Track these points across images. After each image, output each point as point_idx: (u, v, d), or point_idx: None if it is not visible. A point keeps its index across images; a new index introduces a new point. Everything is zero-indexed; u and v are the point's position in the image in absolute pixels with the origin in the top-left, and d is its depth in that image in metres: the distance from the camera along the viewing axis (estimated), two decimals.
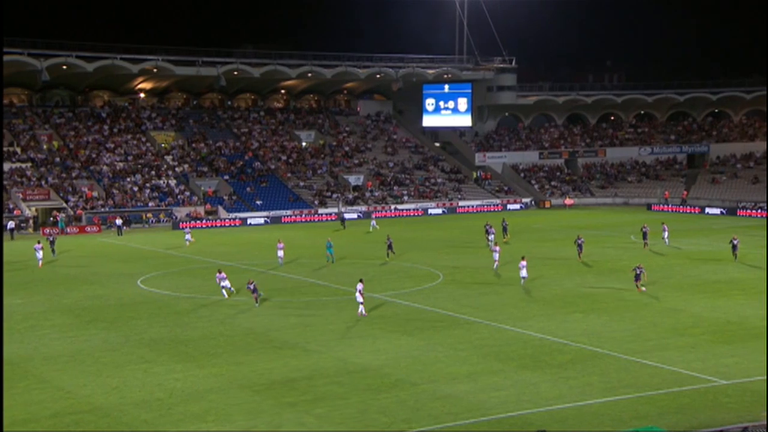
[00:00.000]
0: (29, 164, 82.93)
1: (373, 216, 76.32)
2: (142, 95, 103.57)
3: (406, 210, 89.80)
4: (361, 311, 35.45)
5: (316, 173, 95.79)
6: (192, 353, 29.82)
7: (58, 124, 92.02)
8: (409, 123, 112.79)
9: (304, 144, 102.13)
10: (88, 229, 74.51)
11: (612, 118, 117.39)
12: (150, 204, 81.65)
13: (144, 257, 56.66)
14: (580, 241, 51.31)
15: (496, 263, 47.07)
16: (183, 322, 35.27)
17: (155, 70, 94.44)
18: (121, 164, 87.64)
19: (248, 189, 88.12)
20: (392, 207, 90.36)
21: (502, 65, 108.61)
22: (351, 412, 23.15)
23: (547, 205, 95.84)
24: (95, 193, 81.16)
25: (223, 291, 40.11)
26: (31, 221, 74.87)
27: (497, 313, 36.15)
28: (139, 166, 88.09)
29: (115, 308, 38.35)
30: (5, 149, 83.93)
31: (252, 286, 38.02)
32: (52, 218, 75.67)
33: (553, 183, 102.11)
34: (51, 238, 58.88)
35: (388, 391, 25.01)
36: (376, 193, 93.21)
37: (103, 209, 78.80)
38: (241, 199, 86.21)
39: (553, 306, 37.56)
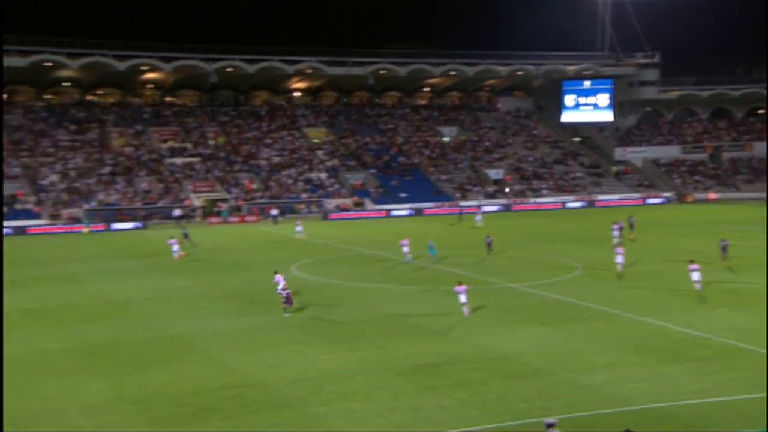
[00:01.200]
0: (198, 159, 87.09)
1: (479, 211, 74.63)
2: (297, 94, 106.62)
3: (545, 203, 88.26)
4: (465, 312, 33.09)
5: (458, 167, 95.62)
6: (340, 336, 30.45)
7: (223, 122, 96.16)
8: (548, 118, 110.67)
9: (446, 139, 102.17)
10: (248, 218, 77.53)
11: (760, 111, 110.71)
12: (303, 195, 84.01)
13: (297, 245, 58.35)
14: (724, 244, 45.81)
15: (620, 265, 42.36)
16: (333, 307, 36.05)
17: (309, 71, 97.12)
18: (277, 158, 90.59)
19: (393, 182, 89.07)
20: (531, 200, 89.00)
21: (644, 60, 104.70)
22: (490, 398, 23.01)
23: (690, 199, 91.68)
24: (254, 185, 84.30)
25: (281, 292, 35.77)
26: (199, 211, 78.66)
27: (636, 305, 34.92)
28: (294, 160, 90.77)
29: (271, 293, 39.51)
30: (178, 145, 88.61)
31: (285, 293, 34.52)
32: (216, 208, 79.21)
33: (695, 177, 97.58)
34: (184, 231, 59.11)
35: (527, 379, 24.69)
36: (516, 187, 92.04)
37: (261, 200, 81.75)
38: (386, 192, 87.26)
39: (694, 300, 35.89)
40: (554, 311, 34.38)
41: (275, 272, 37.33)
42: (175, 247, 51.12)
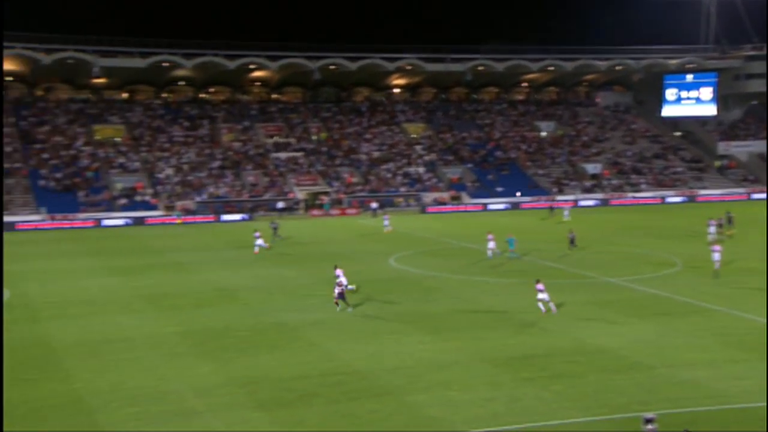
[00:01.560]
0: (301, 153, 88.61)
1: (566, 207, 72.46)
2: (396, 90, 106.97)
3: (644, 198, 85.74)
4: (552, 309, 31.91)
5: (555, 162, 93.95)
6: (438, 327, 30.45)
7: (325, 118, 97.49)
8: (648, 113, 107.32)
9: (543, 134, 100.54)
10: (348, 211, 78.40)
11: None
12: (401, 189, 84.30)
13: (395, 238, 58.62)
14: None
15: (717, 263, 39.74)
16: (429, 298, 36.09)
17: (409, 68, 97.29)
18: (377, 153, 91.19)
19: (490, 176, 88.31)
20: (629, 195, 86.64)
21: (752, 52, 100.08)
22: (588, 391, 22.57)
23: None
24: (355, 179, 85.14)
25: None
26: (301, 203, 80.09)
27: (738, 302, 33.53)
28: (393, 154, 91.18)
29: (370, 283, 39.96)
30: (283, 140, 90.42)
31: (339, 289, 33.49)
32: (318, 201, 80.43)
33: None
34: (274, 225, 58.19)
35: (625, 373, 24.09)
36: (614, 182, 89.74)
37: (361, 193, 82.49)
38: (483, 186, 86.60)
39: None
40: (652, 306, 33.41)
41: (335, 267, 36.52)
42: (259, 241, 50.56)
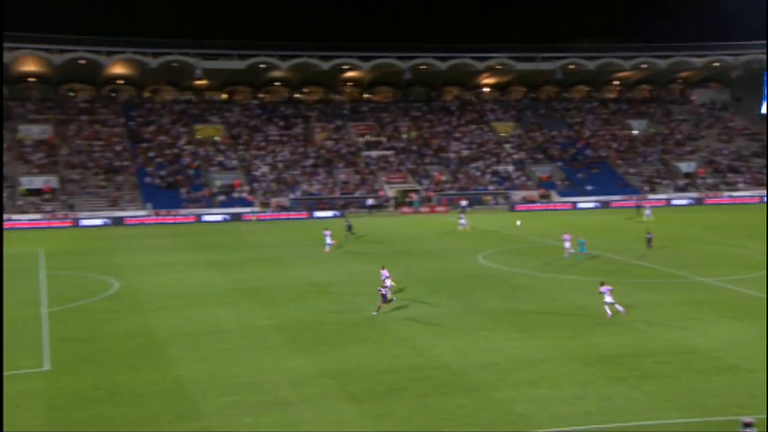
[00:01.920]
0: (391, 152, 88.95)
1: (647, 206, 69.86)
2: (486, 89, 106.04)
3: (741, 197, 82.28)
4: (620, 310, 30.59)
5: (647, 160, 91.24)
6: (526, 324, 30.01)
7: (415, 117, 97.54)
8: (746, 110, 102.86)
9: (635, 132, 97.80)
10: (437, 209, 78.23)
11: None
12: (490, 187, 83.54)
13: (484, 235, 58.14)
14: None
15: None
16: (518, 295, 35.62)
17: (499, 67, 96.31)
18: (466, 152, 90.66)
19: (579, 175, 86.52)
20: (725, 194, 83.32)
21: None
22: (681, 392, 21.80)
23: None
24: (444, 177, 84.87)
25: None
26: (391, 201, 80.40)
27: None
28: (482, 153, 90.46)
29: (458, 280, 39.77)
30: (374, 139, 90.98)
31: (384, 291, 32.24)
32: (408, 199, 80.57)
33: None
34: (348, 223, 57.52)
35: (720, 375, 23.15)
36: (709, 180, 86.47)
37: (450, 191, 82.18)
38: (572, 184, 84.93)
39: None
40: (750, 307, 32.00)
41: (383, 267, 35.40)
42: (329, 240, 50.14)
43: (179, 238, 58.75)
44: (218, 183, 79.30)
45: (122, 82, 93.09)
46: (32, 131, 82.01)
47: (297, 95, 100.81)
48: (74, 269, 44.04)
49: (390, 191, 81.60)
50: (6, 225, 66.34)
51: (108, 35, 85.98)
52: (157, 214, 71.82)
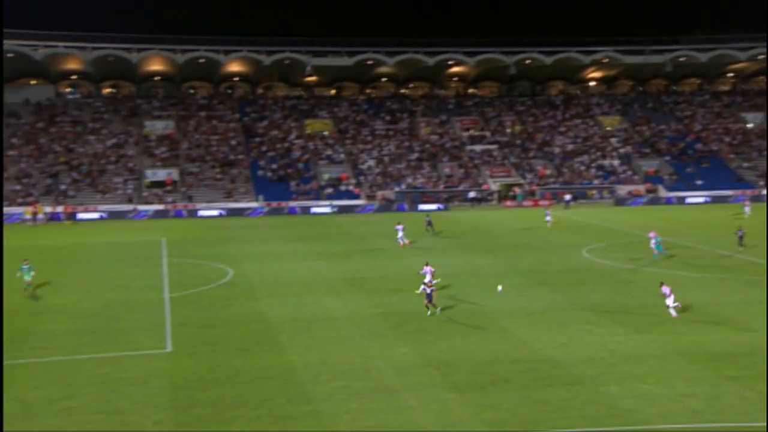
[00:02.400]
0: (495, 146, 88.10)
1: (748, 203, 65.68)
2: (591, 83, 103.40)
3: None
4: (671, 314, 29.15)
5: (762, 154, 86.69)
6: (631, 319, 29.18)
7: (519, 111, 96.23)
8: None
9: (750, 125, 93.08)
10: (541, 202, 76.98)
11: None
12: (595, 182, 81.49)
13: (588, 229, 56.82)
14: None
15: None
16: (623, 290, 34.67)
17: (605, 60, 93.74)
18: (571, 146, 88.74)
19: (689, 169, 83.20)
20: None
21: None
22: None
23: None
24: (548, 171, 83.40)
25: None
26: (495, 194, 79.67)
27: None
28: (587, 147, 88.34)
29: (562, 273, 39.05)
30: (478, 134, 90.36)
31: (429, 291, 30.82)
32: (511, 192, 79.62)
33: None
34: (428, 219, 56.98)
35: None
36: None
37: (553, 185, 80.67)
38: (680, 179, 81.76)
39: None
40: None
41: (426, 264, 34.92)
42: (401, 234, 49.37)
43: (289, 229, 60.17)
44: (326, 176, 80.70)
45: (238, 79, 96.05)
46: (156, 126, 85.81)
47: (403, 90, 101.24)
48: (192, 257, 45.84)
49: (494, 185, 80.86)
50: (133, 215, 69.78)
51: (226, 35, 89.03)
52: (269, 206, 73.78)
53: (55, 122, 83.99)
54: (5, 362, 24.62)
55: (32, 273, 36.00)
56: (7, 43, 79.51)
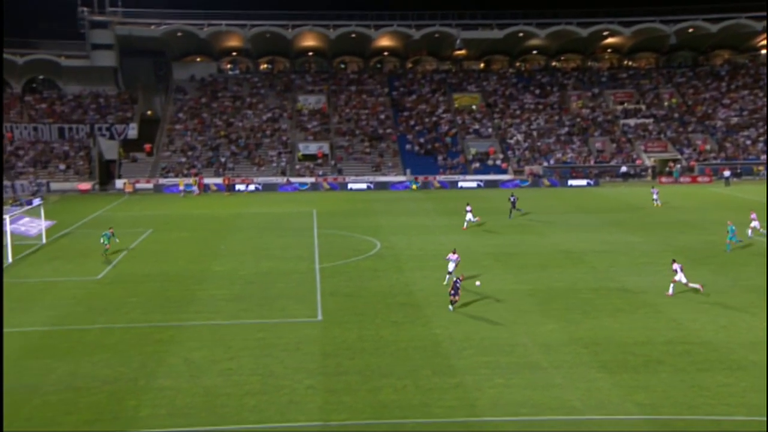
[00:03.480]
0: (651, 120, 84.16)
1: None
2: (764, 51, 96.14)
3: None
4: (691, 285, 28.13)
5: None
6: None
7: (679, 83, 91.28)
8: None
9: None
10: (700, 179, 72.91)
11: None
12: (762, 157, 76.09)
13: (750, 208, 53.19)
14: None
15: None
16: None
17: None
18: (735, 119, 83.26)
19: None
20: None
21: None
22: None
23: None
24: (708, 146, 78.77)
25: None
26: (649, 170, 76.25)
27: None
28: (754, 120, 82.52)
29: (723, 254, 36.93)
30: (633, 107, 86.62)
31: (454, 285, 28.15)
32: (667, 168, 75.93)
33: None
34: (513, 198, 51.82)
35: None
36: None
37: (714, 161, 76.14)
38: None
39: None
40: None
41: (453, 251, 32.76)
42: (469, 215, 46.12)
43: (436, 203, 60.43)
44: (473, 150, 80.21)
45: (387, 53, 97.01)
46: (309, 101, 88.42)
47: (554, 63, 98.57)
48: (342, 229, 47.09)
49: (648, 160, 77.38)
50: (286, 187, 72.51)
51: (376, 10, 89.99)
52: (415, 180, 74.38)
53: (216, 97, 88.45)
54: (175, 323, 26.52)
55: (115, 240, 39.32)
56: (176, 23, 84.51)
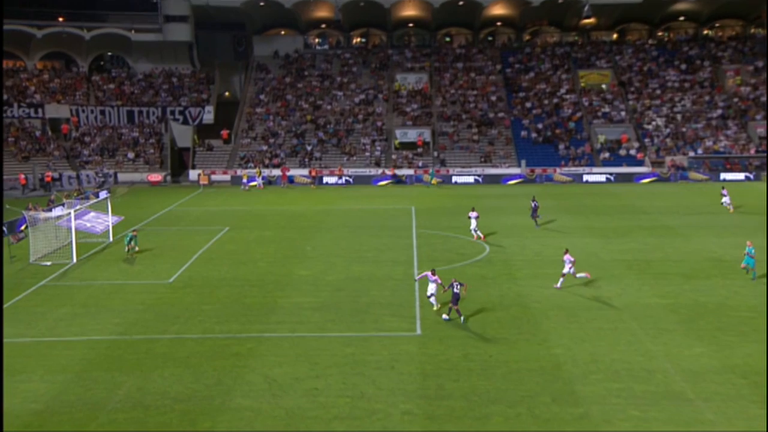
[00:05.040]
0: None
1: None
2: None
3: None
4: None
5: None
6: None
7: None
8: None
9: None
10: None
11: None
12: None
13: None
14: None
15: None
16: None
17: None
18: None
19: None
20: None
21: None
22: None
23: None
24: None
25: None
26: None
27: None
28: None
29: None
30: None
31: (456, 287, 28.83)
32: None
33: None
34: (535, 203, 48.82)
35: None
36: None
37: None
38: None
39: None
40: None
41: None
42: (474, 224, 44.29)
43: (555, 200, 59.61)
44: (602, 138, 78.64)
45: (500, 24, 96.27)
46: (408, 80, 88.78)
47: (705, 31, 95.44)
48: (444, 229, 47.08)
49: None
50: (380, 179, 72.96)
51: None
52: (532, 173, 73.51)
53: (302, 76, 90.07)
54: (254, 334, 27.18)
55: (136, 245, 40.88)
56: None
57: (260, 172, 72.64)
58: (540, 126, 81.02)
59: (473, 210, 45.22)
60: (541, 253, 40.02)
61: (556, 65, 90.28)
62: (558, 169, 73.91)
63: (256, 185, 71.08)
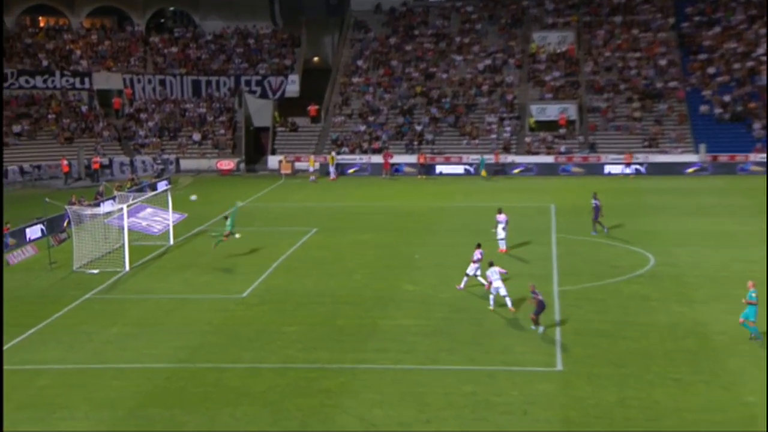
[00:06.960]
0: None
1: None
2: None
3: None
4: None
5: None
6: None
7: None
8: None
9: None
10: None
11: None
12: None
13: None
14: None
15: None
16: None
17: None
18: None
19: None
20: None
21: None
22: None
23: None
24: None
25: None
26: None
27: None
28: None
29: None
30: None
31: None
32: None
33: None
34: (596, 203, 48.38)
35: None
36: None
37: None
38: None
39: None
40: None
41: (490, 263, 35.59)
42: (501, 233, 44.22)
43: (747, 198, 58.12)
44: None
45: None
46: (548, 40, 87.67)
47: None
48: (591, 234, 46.52)
49: None
50: (511, 168, 72.64)
51: None
52: (714, 161, 71.87)
53: (411, 36, 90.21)
54: (348, 365, 27.39)
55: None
56: None
57: (333, 159, 72.74)
58: (727, 99, 79.04)
59: (500, 212, 43.96)
60: (727, 267, 39.26)
61: (752, 16, 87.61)
62: (752, 156, 71.95)
63: (314, 176, 71.33)
